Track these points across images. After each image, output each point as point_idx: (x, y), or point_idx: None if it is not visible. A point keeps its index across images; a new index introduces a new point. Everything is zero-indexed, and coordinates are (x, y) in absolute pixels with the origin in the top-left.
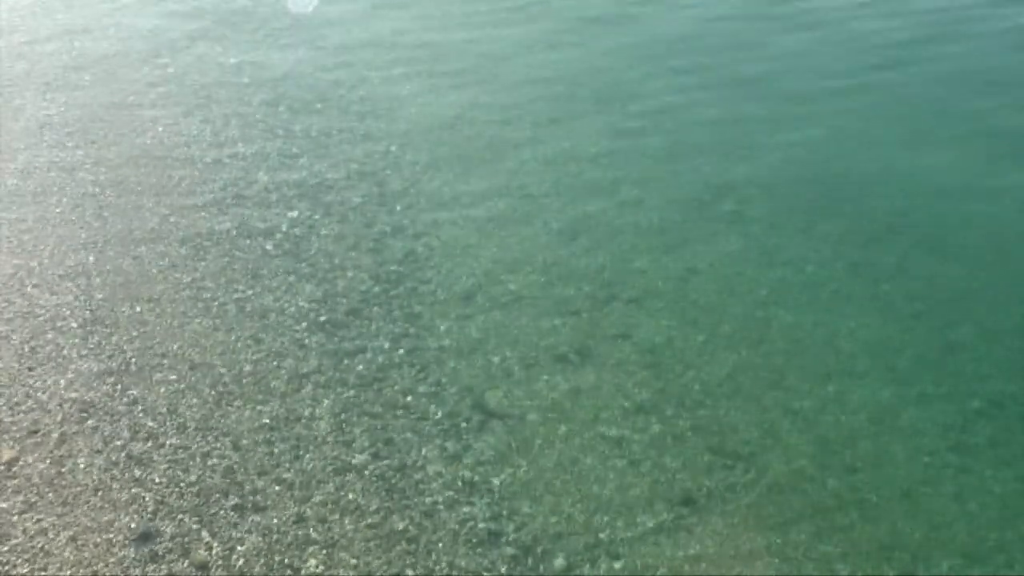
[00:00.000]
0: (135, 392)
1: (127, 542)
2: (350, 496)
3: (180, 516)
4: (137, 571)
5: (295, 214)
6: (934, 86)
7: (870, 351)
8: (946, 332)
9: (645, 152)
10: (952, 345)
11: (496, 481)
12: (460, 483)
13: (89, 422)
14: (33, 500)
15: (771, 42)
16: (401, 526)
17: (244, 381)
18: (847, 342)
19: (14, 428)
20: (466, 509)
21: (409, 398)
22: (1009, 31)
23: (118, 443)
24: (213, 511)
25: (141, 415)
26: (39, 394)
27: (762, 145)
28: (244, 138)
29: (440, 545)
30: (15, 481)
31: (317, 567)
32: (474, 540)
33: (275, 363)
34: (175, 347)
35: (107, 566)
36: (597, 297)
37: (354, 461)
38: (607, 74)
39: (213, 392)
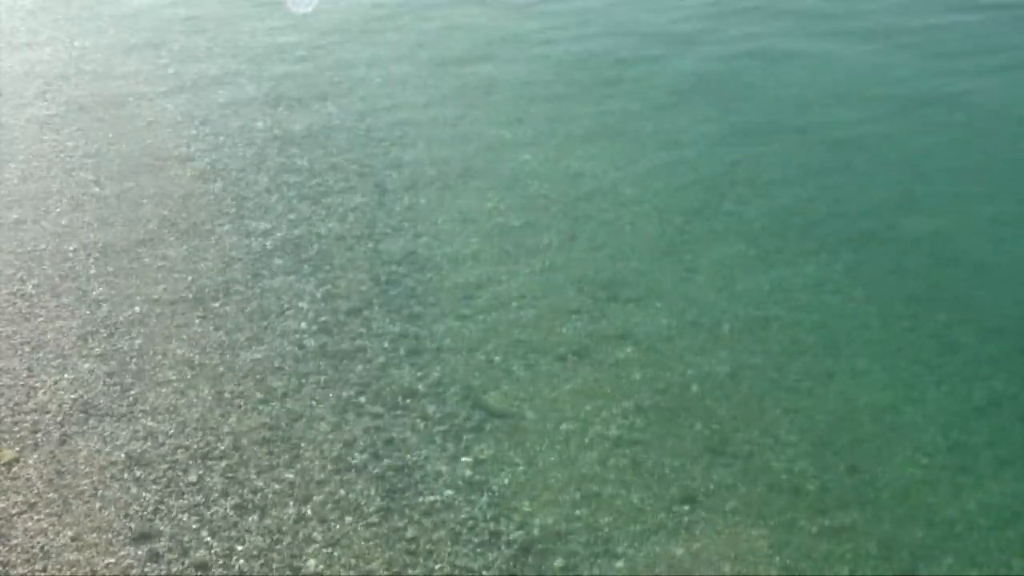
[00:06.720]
0: (135, 392)
1: (127, 542)
2: (350, 496)
3: (180, 515)
4: (137, 571)
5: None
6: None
7: (870, 351)
8: (946, 332)
9: (646, 151)
10: (952, 345)
11: (496, 480)
12: (460, 482)
13: (89, 422)
14: (33, 500)
15: (770, 42)
16: (401, 525)
17: (244, 381)
18: (847, 342)
19: (15, 428)
20: (466, 508)
21: (408, 398)
22: None
23: (118, 443)
24: (213, 510)
25: (141, 415)
26: (39, 394)
27: (762, 145)
28: None
29: (440, 544)
30: (15, 481)
31: (317, 567)
32: (474, 540)
33: (275, 363)
34: (175, 347)
35: (107, 566)
36: (597, 297)
37: (354, 461)
38: (606, 72)
39: (213, 391)
